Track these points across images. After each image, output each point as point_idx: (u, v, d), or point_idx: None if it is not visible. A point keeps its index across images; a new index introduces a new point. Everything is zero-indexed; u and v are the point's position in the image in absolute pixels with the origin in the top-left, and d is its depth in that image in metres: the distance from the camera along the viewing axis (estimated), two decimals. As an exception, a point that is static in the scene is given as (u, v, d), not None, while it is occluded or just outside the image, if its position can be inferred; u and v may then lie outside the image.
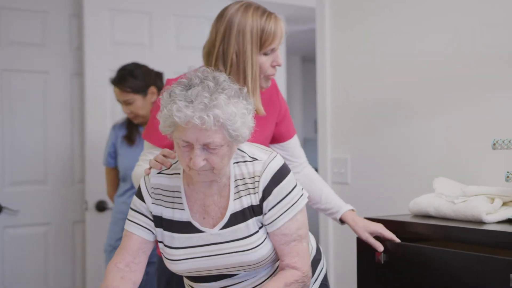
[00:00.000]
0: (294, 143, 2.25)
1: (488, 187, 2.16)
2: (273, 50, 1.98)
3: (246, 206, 1.65)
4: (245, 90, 1.60)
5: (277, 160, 1.67)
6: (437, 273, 1.77)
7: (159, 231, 1.69)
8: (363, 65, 2.95)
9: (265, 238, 1.67)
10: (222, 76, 1.58)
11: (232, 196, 1.65)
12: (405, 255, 1.88)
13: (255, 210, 1.66)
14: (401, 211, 2.44)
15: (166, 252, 1.68)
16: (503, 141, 2.08)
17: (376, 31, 2.88)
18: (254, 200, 1.65)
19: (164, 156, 1.75)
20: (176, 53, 3.74)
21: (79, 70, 3.65)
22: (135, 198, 1.72)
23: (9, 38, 3.51)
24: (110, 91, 3.57)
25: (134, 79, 3.12)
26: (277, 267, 1.75)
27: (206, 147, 1.54)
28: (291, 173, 1.69)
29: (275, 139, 2.21)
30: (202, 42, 3.78)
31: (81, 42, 3.60)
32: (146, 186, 1.70)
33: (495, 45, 2.39)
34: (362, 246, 2.08)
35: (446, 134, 2.56)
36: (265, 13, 1.95)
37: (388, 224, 2.08)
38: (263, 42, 1.94)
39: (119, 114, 3.58)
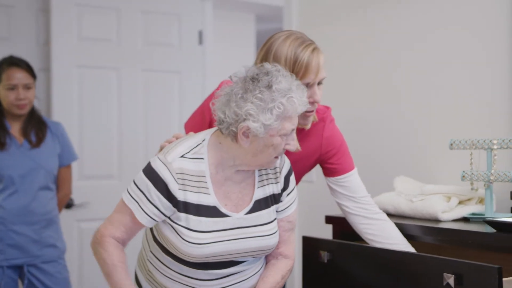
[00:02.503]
0: (351, 178, 2.03)
1: (445, 186, 2.21)
2: (308, 84, 1.82)
3: (268, 194, 1.75)
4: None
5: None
6: (377, 271, 1.83)
7: (183, 216, 1.66)
8: (331, 66, 2.97)
9: (277, 226, 1.78)
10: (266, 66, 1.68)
11: (257, 184, 1.74)
12: (347, 254, 1.93)
13: (275, 198, 1.77)
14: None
15: (191, 237, 1.66)
16: (459, 142, 2.13)
17: (343, 30, 2.91)
18: (276, 189, 1.77)
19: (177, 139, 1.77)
20: (144, 49, 3.73)
21: (46, 65, 3.62)
22: (149, 185, 1.66)
23: (-27, 32, 3.47)
24: (77, 86, 3.56)
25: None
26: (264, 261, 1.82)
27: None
28: None
29: (329, 173, 2.03)
30: (170, 39, 3.83)
31: (48, 38, 3.58)
32: (170, 172, 1.65)
33: (452, 50, 2.45)
34: (307, 245, 2.11)
35: (406, 135, 2.61)
36: (303, 43, 1.83)
37: (345, 222, 2.12)
38: (296, 73, 1.78)
39: (86, 109, 3.57)
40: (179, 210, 1.66)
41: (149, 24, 3.75)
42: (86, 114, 3.58)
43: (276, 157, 1.68)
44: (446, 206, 2.09)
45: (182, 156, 1.67)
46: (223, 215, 1.69)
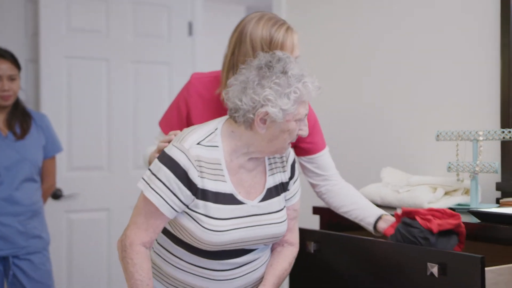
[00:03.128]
0: (323, 157, 2.10)
1: (431, 177, 2.23)
2: None
3: (278, 182, 1.78)
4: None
5: None
6: (363, 261, 1.85)
7: (201, 203, 1.65)
8: (320, 58, 2.99)
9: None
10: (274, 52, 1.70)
11: (268, 172, 1.77)
12: (334, 245, 1.95)
13: (284, 187, 1.80)
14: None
15: (211, 224, 1.65)
16: (446, 133, 2.15)
17: (330, 21, 2.92)
18: (284, 177, 1.80)
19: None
20: (133, 40, 3.72)
21: (34, 56, 3.61)
22: (168, 173, 1.63)
23: (-39, 23, 3.45)
24: (66, 78, 3.55)
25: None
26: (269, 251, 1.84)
27: None
28: None
29: (304, 152, 2.08)
30: (159, 30, 3.82)
31: (36, 29, 3.56)
32: (189, 159, 1.63)
33: (438, 43, 2.46)
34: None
35: (393, 127, 2.62)
36: (277, 23, 1.89)
37: (332, 213, 2.13)
38: None
39: (75, 100, 3.56)
40: (199, 198, 1.65)
41: (138, 15, 3.74)
42: (75, 105, 3.57)
43: (289, 143, 1.72)
44: (432, 197, 2.10)
45: (198, 144, 1.66)
46: (239, 202, 1.70)
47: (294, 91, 1.62)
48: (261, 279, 1.81)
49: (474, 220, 1.86)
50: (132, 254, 1.64)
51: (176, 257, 1.74)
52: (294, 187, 1.83)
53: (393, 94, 2.64)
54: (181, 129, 1.94)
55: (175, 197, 1.63)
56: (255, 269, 1.78)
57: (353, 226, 2.08)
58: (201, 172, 1.65)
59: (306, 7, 3.05)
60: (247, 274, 1.76)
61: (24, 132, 2.91)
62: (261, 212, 1.73)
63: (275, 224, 1.75)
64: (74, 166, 3.57)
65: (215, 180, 1.67)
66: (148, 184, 1.64)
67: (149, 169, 1.67)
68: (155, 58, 3.80)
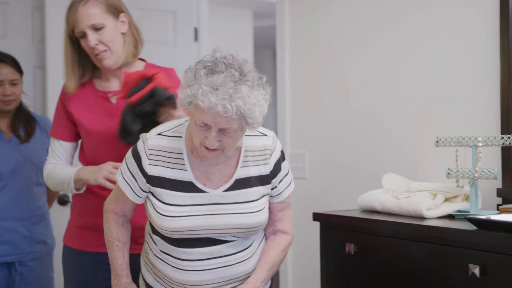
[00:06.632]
0: None
1: (431, 183, 2.22)
2: (85, 34, 2.08)
3: (253, 175, 1.79)
4: (264, 78, 1.69)
5: (278, 139, 1.88)
6: (403, 263, 1.88)
7: (158, 190, 1.75)
8: (322, 63, 2.98)
9: (264, 207, 1.81)
10: (247, 66, 1.66)
11: (240, 163, 1.78)
12: (373, 246, 1.98)
13: (262, 180, 1.80)
14: (355, 206, 2.48)
15: (163, 209, 1.74)
16: (445, 139, 2.13)
17: (336, 27, 2.92)
18: (264, 170, 1.81)
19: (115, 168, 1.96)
20: (139, 46, 3.74)
21: (42, 62, 3.64)
22: (130, 158, 1.79)
23: (-31, 29, 3.49)
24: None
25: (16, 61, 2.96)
26: (254, 251, 1.84)
27: (222, 130, 1.65)
28: None
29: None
30: (165, 36, 3.83)
31: (43, 35, 3.59)
32: (144, 148, 1.76)
33: (437, 49, 2.45)
34: (326, 238, 2.15)
35: (395, 133, 2.62)
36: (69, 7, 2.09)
37: (332, 219, 2.13)
38: (71, 23, 2.11)
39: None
40: (153, 185, 1.76)
41: (144, 21, 3.75)
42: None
43: (205, 149, 1.70)
44: (431, 203, 2.09)
45: (159, 134, 1.77)
46: (199, 190, 1.75)
47: (191, 88, 1.62)
48: (235, 279, 1.80)
49: (472, 227, 1.85)
50: (106, 218, 1.88)
51: (154, 243, 1.82)
52: (281, 185, 1.84)
53: (393, 100, 2.63)
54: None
55: (135, 181, 1.78)
56: (227, 265, 1.77)
57: (368, 231, 2.08)
58: (156, 160, 1.75)
59: (310, 12, 3.05)
60: (217, 268, 1.76)
61: (29, 135, 2.92)
62: (226, 202, 1.75)
63: (243, 214, 1.75)
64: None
65: (174, 168, 1.75)
66: (121, 167, 1.83)
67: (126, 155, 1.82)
68: (161, 63, 3.75)
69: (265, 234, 1.91)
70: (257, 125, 1.68)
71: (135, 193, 1.80)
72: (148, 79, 1.95)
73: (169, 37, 3.83)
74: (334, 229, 2.25)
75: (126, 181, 1.80)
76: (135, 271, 1.95)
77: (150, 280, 1.88)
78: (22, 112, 2.97)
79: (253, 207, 1.77)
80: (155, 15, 3.79)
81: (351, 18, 2.83)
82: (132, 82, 1.95)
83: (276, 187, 1.84)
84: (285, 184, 1.87)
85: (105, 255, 1.96)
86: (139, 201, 1.82)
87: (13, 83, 2.90)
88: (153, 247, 1.83)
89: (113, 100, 2.10)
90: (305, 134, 3.07)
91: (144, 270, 1.92)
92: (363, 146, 2.76)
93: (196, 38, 3.89)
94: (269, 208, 1.86)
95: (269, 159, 1.81)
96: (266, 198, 1.83)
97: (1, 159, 2.84)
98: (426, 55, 2.50)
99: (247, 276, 1.82)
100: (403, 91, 2.60)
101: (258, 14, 4.75)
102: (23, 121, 2.94)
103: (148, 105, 1.93)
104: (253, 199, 1.78)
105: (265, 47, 6.96)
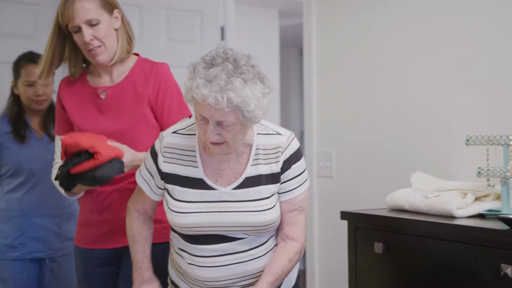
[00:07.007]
0: None
1: (461, 182, 2.19)
2: (80, 29, 2.06)
3: (263, 173, 1.78)
4: (263, 73, 1.68)
5: (296, 140, 1.85)
6: (432, 262, 1.86)
7: (170, 187, 1.79)
8: (350, 61, 2.97)
9: (275, 205, 1.79)
10: (243, 59, 1.65)
11: (250, 162, 1.78)
12: (402, 245, 1.97)
13: (273, 178, 1.79)
14: (383, 205, 2.47)
15: (173, 205, 1.78)
16: (476, 137, 2.11)
17: (363, 26, 2.90)
18: (276, 168, 1.79)
19: None
20: (166, 45, 3.76)
21: (70, 62, 3.67)
22: (148, 156, 1.85)
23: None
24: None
25: None
26: (270, 248, 1.83)
27: (219, 124, 1.65)
28: (303, 157, 1.86)
29: None
30: (192, 35, 3.84)
31: (72, 35, 3.63)
32: (160, 146, 1.81)
33: (469, 45, 2.42)
34: (354, 237, 2.14)
35: (424, 131, 2.59)
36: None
37: (360, 217, 2.12)
38: (65, 18, 2.09)
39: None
40: (167, 182, 1.80)
41: (171, 21, 3.78)
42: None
43: (210, 143, 1.71)
44: (461, 203, 2.07)
45: (174, 132, 1.82)
46: (209, 187, 1.77)
47: (189, 82, 1.64)
48: (250, 275, 1.80)
49: (503, 226, 1.83)
50: (128, 216, 1.94)
51: (174, 240, 1.87)
52: (291, 183, 1.80)
53: (422, 98, 2.60)
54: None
55: (152, 178, 1.84)
56: (241, 262, 1.78)
57: (396, 230, 2.07)
58: (170, 158, 1.80)
59: (337, 11, 3.03)
60: (230, 265, 1.77)
61: None
62: (235, 199, 1.76)
63: (253, 212, 1.74)
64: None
65: (187, 165, 1.79)
66: (141, 165, 1.89)
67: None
68: (188, 63, 3.78)
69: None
70: (258, 120, 1.67)
71: (152, 190, 1.86)
72: (87, 151, 1.91)
73: (196, 36, 3.84)
74: (362, 228, 2.25)
75: (144, 179, 1.86)
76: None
77: (174, 277, 1.91)
78: (53, 112, 3.01)
79: (262, 205, 1.76)
80: (182, 14, 3.80)
81: (379, 16, 2.81)
82: (72, 148, 1.91)
83: (285, 182, 1.80)
84: (295, 183, 1.82)
85: (99, 251, 2.09)
86: (156, 198, 1.88)
87: (45, 84, 2.93)
88: (174, 244, 1.87)
89: (103, 96, 2.11)
90: (332, 133, 3.06)
91: (169, 267, 1.95)
92: (391, 144, 2.74)
93: (222, 37, 3.90)
94: (280, 209, 1.82)
95: (280, 156, 1.79)
96: (277, 197, 1.82)
97: (33, 157, 2.88)
98: (456, 52, 2.47)
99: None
100: (432, 89, 2.57)
101: (284, 12, 4.74)
102: (54, 120, 2.98)
103: (90, 181, 1.90)
104: (263, 197, 1.77)
105: (291, 46, 6.95)
